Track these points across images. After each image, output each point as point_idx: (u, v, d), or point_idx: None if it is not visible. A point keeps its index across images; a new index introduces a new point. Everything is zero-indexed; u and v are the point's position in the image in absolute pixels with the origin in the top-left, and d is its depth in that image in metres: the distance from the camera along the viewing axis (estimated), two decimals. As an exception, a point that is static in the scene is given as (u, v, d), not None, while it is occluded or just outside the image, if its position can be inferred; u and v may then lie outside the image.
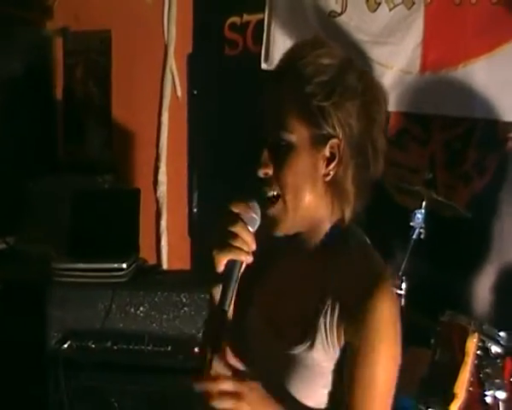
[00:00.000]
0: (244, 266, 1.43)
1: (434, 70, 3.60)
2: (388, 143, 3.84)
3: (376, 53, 3.69)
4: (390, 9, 3.65)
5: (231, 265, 1.42)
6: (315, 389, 1.50)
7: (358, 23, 3.73)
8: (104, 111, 4.55)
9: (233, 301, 1.42)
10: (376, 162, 1.54)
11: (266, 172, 1.47)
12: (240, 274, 1.42)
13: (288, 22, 3.84)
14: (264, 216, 1.47)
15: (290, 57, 1.49)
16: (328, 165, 1.47)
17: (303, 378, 1.49)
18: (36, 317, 3.43)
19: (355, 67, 1.50)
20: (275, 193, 1.47)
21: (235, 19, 4.04)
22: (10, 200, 4.00)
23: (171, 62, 4.27)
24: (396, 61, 3.66)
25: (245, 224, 1.42)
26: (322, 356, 1.47)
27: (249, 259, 1.42)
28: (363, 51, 3.71)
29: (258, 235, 1.45)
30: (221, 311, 1.40)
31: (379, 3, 3.68)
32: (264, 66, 3.90)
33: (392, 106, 3.70)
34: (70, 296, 3.25)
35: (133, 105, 4.37)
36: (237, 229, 1.41)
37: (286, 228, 1.50)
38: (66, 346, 3.22)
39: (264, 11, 3.90)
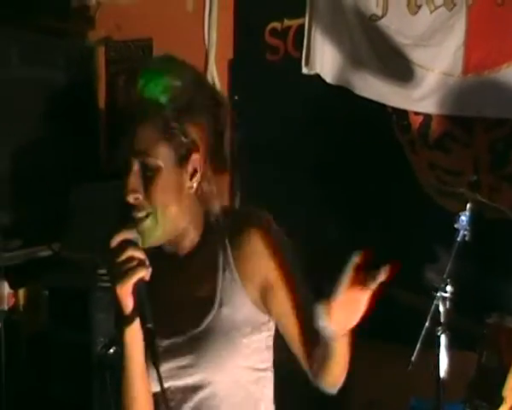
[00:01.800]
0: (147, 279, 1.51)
1: (477, 72, 3.56)
2: (431, 146, 3.85)
3: (417, 56, 3.67)
4: (431, 12, 3.63)
5: (138, 287, 1.48)
6: (236, 345, 1.63)
7: (399, 26, 3.70)
8: (146, 119, 4.58)
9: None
10: (225, 164, 1.68)
11: (137, 196, 1.57)
12: (146, 288, 1.49)
13: (329, 26, 3.83)
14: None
15: (143, 86, 1.56)
16: (191, 178, 1.61)
17: (219, 339, 1.61)
18: (82, 322, 3.47)
19: (206, 84, 1.66)
20: (145, 213, 1.57)
21: (275, 24, 4.05)
22: (55, 207, 4.05)
23: (213, 69, 4.29)
24: (437, 63, 3.63)
25: (132, 243, 1.50)
26: (231, 312, 1.62)
27: (149, 270, 1.50)
28: (403, 54, 3.69)
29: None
30: (147, 329, 1.46)
31: (420, 6, 3.66)
32: (304, 70, 3.90)
33: (434, 109, 3.68)
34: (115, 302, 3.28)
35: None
36: (129, 252, 1.49)
37: (156, 240, 1.61)
38: (112, 351, 3.25)
39: (304, 16, 3.90)
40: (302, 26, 3.93)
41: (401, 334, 2.97)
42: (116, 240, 1.51)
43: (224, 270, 1.64)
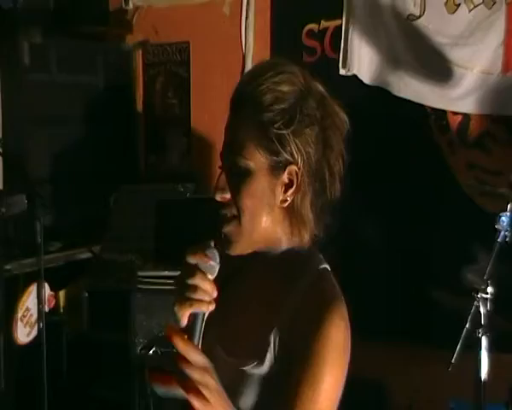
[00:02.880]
0: (207, 314, 1.40)
1: (517, 70, 3.53)
2: (470, 145, 3.81)
3: (456, 55, 3.64)
4: (470, 10, 3.60)
5: (194, 317, 1.39)
6: (266, 402, 1.49)
7: (437, 25, 3.68)
8: (184, 121, 4.61)
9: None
10: (333, 187, 1.55)
11: (224, 196, 1.47)
12: (204, 323, 1.39)
13: (366, 27, 3.82)
14: (220, 235, 1.48)
15: (249, 83, 1.48)
16: (285, 191, 1.48)
17: (254, 393, 1.49)
18: (121, 324, 3.50)
19: (315, 93, 1.50)
20: (233, 213, 1.47)
21: (312, 25, 4.04)
22: (95, 210, 4.09)
23: (250, 71, 4.30)
24: (477, 62, 3.60)
25: (203, 273, 1.40)
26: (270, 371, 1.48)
27: (211, 307, 1.40)
28: (442, 54, 3.67)
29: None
30: None
31: (458, 4, 3.62)
32: (342, 72, 3.89)
33: (473, 108, 3.65)
34: (154, 303, 3.31)
35: (212, 115, 4.42)
36: (196, 281, 1.38)
37: (240, 249, 1.51)
38: (151, 352, 3.27)
39: (341, 17, 3.89)
40: (339, 27, 3.92)
41: (441, 336, 2.95)
42: (191, 259, 1.41)
43: (279, 322, 1.49)
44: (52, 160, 4.16)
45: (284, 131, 1.44)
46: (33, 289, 3.46)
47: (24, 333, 3.55)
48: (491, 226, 2.95)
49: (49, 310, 3.64)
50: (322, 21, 4.02)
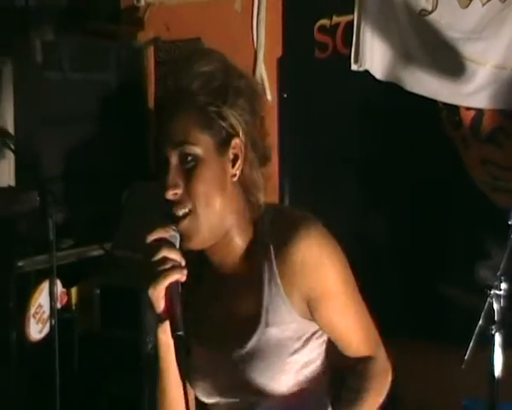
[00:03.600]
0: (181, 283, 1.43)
1: (531, 65, 3.50)
2: (483, 141, 3.78)
3: (469, 50, 3.61)
4: (483, 4, 3.57)
5: (171, 290, 1.40)
6: (285, 363, 1.54)
7: (450, 20, 3.65)
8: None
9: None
10: (266, 150, 1.60)
11: (175, 192, 1.48)
12: (179, 293, 1.42)
13: (378, 22, 3.79)
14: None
15: (177, 77, 1.51)
16: (233, 165, 1.53)
17: (265, 361, 1.53)
18: (133, 321, 3.50)
19: (234, 67, 1.57)
20: (186, 210, 1.48)
21: (324, 21, 4.03)
22: (107, 207, 4.10)
23: (261, 67, 4.28)
24: (490, 57, 3.57)
25: (168, 244, 1.43)
26: (278, 331, 1.53)
27: (184, 273, 1.43)
28: (454, 49, 3.64)
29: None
30: (177, 337, 1.39)
31: (471, -1, 3.60)
32: (354, 67, 3.87)
33: (486, 104, 3.62)
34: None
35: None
36: (163, 252, 1.42)
37: (201, 241, 1.51)
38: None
39: (353, 12, 3.87)
40: (351, 22, 3.89)
41: (454, 333, 2.93)
42: (150, 238, 1.45)
43: (269, 284, 1.54)
44: (64, 157, 4.17)
45: (222, 107, 1.49)
46: (45, 286, 3.47)
47: (36, 330, 3.55)
48: (505, 222, 2.94)
49: (61, 307, 3.64)
50: (333, 17, 4.00)
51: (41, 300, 3.55)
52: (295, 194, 4.15)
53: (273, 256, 1.54)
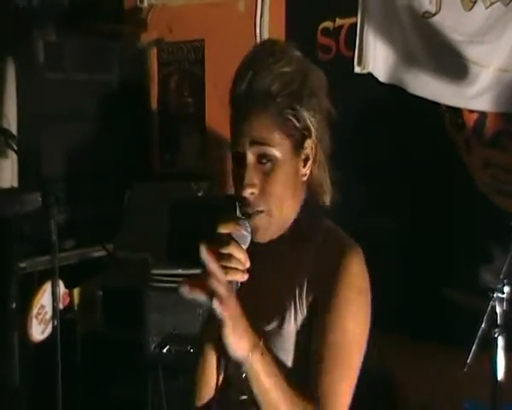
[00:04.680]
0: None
1: (534, 68, 3.50)
2: (486, 144, 3.78)
3: (472, 53, 3.61)
4: (486, 7, 3.56)
5: (230, 286, 1.42)
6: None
7: (453, 23, 3.65)
8: (198, 119, 4.61)
9: None
10: (330, 146, 1.64)
11: (253, 191, 1.50)
12: (237, 289, 1.44)
13: (381, 25, 3.79)
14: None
15: (255, 77, 1.52)
16: (304, 166, 1.57)
17: (282, 352, 1.55)
18: (135, 322, 3.50)
19: (309, 65, 1.61)
20: (260, 208, 1.51)
21: (327, 24, 4.03)
22: (109, 208, 4.10)
23: (265, 69, 4.29)
24: (493, 60, 3.56)
25: (237, 243, 1.43)
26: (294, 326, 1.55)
27: (245, 277, 1.44)
28: (458, 51, 3.64)
29: None
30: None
31: (474, 2, 3.59)
32: (357, 69, 3.87)
33: (489, 106, 3.62)
34: (168, 302, 3.31)
35: (226, 112, 4.40)
36: (230, 249, 1.42)
37: (269, 237, 1.55)
38: (165, 350, 3.27)
39: (356, 15, 3.87)
40: (354, 24, 3.89)
41: (457, 336, 2.93)
42: (222, 229, 1.43)
43: (301, 282, 1.56)
44: (66, 158, 4.17)
45: (298, 109, 1.51)
46: (48, 286, 3.47)
47: (38, 331, 3.56)
48: (508, 225, 2.94)
49: (64, 308, 3.65)
50: (337, 19, 4.00)
51: (43, 301, 3.56)
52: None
53: (314, 256, 1.56)
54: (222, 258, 1.40)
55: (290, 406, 1.46)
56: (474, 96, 3.63)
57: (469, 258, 3.53)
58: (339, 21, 4.00)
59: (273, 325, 1.57)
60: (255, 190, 1.50)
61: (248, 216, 1.50)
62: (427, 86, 3.68)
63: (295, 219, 1.60)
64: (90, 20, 4.37)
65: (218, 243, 1.42)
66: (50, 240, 3.25)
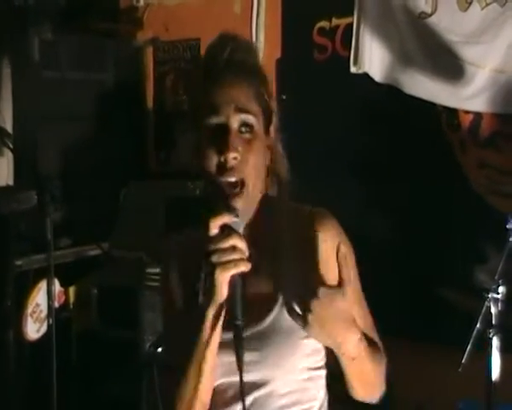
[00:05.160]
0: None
1: (529, 68, 3.51)
2: (481, 144, 3.78)
3: (468, 53, 3.62)
4: (482, 8, 3.57)
5: (235, 279, 1.42)
6: (297, 345, 1.56)
7: (449, 23, 3.65)
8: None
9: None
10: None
11: (236, 156, 1.50)
12: (241, 284, 1.43)
13: (378, 25, 3.80)
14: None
15: (234, 51, 1.57)
16: (269, 148, 1.61)
17: (278, 340, 1.55)
18: (130, 321, 3.50)
19: None
20: (236, 179, 1.51)
21: (323, 23, 4.03)
22: (104, 207, 4.10)
23: (261, 68, 4.29)
24: (488, 60, 3.57)
25: (236, 232, 1.42)
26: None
27: (249, 265, 1.43)
28: (453, 52, 3.65)
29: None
30: (235, 326, 1.41)
31: (470, 2, 3.60)
32: (353, 69, 3.87)
33: (484, 107, 3.63)
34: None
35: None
36: (234, 241, 1.41)
37: (248, 216, 1.56)
38: (160, 350, 3.27)
39: (352, 14, 3.87)
40: (350, 24, 3.89)
41: (452, 336, 2.93)
42: (216, 222, 1.43)
43: (286, 261, 1.57)
44: (62, 156, 4.17)
45: (267, 86, 1.60)
46: (43, 285, 3.46)
47: (33, 329, 3.56)
48: (503, 226, 2.94)
49: (59, 306, 3.65)
50: (333, 19, 4.01)
51: (38, 299, 3.55)
52: (293, 194, 4.15)
53: (294, 233, 1.60)
54: (225, 252, 1.40)
55: (381, 365, 1.59)
56: (470, 97, 3.63)
57: (464, 258, 3.53)
58: (335, 21, 4.01)
59: (266, 322, 1.57)
60: (238, 156, 1.50)
61: (232, 196, 1.50)
62: (423, 86, 3.68)
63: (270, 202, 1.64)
64: (85, 19, 4.37)
65: (219, 238, 1.41)
66: (46, 238, 3.25)
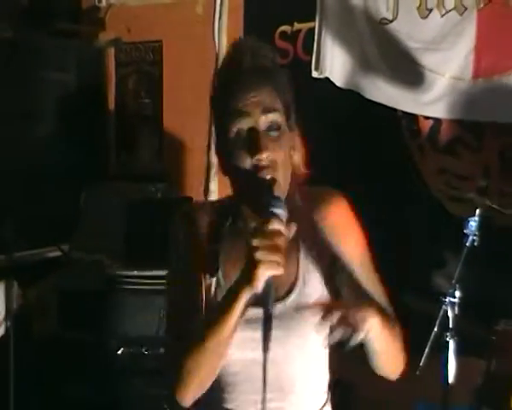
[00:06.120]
0: None
1: (487, 76, 3.56)
2: (440, 150, 3.83)
3: (428, 60, 3.67)
4: (442, 15, 3.62)
5: (266, 283, 1.49)
6: (312, 327, 1.59)
7: (409, 30, 3.70)
8: (155, 121, 4.60)
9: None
10: None
11: (268, 155, 1.57)
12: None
13: (339, 30, 3.83)
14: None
15: (255, 55, 1.64)
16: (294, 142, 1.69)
17: (298, 319, 1.63)
18: (90, 323, 3.48)
19: None
20: (272, 176, 1.58)
21: (285, 27, 4.06)
22: (65, 209, 4.06)
23: (223, 71, 4.29)
24: (448, 67, 3.62)
25: (282, 234, 1.49)
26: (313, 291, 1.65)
27: (282, 270, 1.48)
28: (414, 58, 3.69)
29: None
30: (267, 312, 1.49)
31: (430, 10, 3.65)
32: (314, 74, 3.90)
33: (443, 113, 3.68)
34: (124, 303, 3.30)
35: (184, 114, 4.41)
36: (280, 241, 1.48)
37: (283, 190, 1.62)
38: (120, 352, 3.26)
39: (314, 19, 3.90)
40: (312, 29, 3.92)
41: (409, 339, 2.97)
42: (274, 226, 1.48)
43: (305, 244, 1.67)
44: (23, 156, 4.12)
45: (287, 84, 1.65)
46: (2, 287, 3.43)
47: (-9, 331, 3.52)
48: (460, 231, 2.99)
49: (18, 308, 3.61)
50: (295, 23, 4.03)
51: (-3, 301, 3.52)
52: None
53: (313, 217, 1.69)
54: (271, 250, 1.46)
55: (399, 337, 1.69)
56: (430, 103, 3.68)
57: (422, 263, 3.57)
58: (297, 26, 4.03)
59: (288, 301, 1.64)
60: (270, 154, 1.57)
61: (265, 183, 1.57)
62: (384, 92, 3.72)
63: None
64: (47, 19, 4.33)
65: (265, 234, 1.47)
66: (5, 240, 3.22)
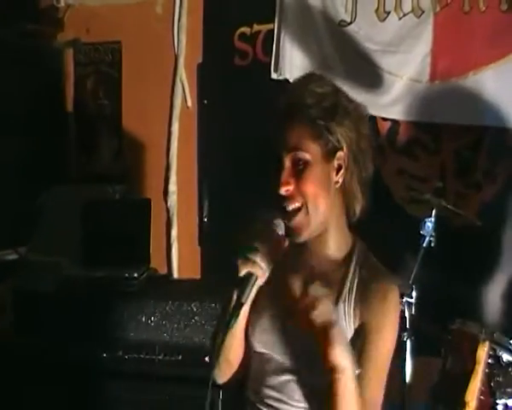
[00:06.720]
0: (259, 281, 1.69)
1: (444, 79, 3.60)
2: (398, 152, 3.85)
3: (386, 62, 3.70)
4: (399, 18, 3.66)
5: (250, 275, 1.67)
6: None
7: (368, 32, 3.73)
8: (115, 122, 4.57)
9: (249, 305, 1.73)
10: (367, 167, 1.85)
11: (288, 188, 1.75)
12: (256, 284, 1.69)
13: (298, 32, 3.85)
14: (287, 228, 1.75)
15: (294, 94, 1.80)
16: (337, 174, 1.80)
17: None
18: (47, 326, 3.44)
19: (343, 91, 1.84)
20: (297, 204, 1.75)
21: (244, 29, 4.06)
22: (22, 210, 4.02)
23: (181, 72, 4.28)
24: (405, 70, 3.66)
25: (262, 254, 1.68)
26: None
27: (264, 278, 1.69)
28: (372, 60, 3.72)
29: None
30: (240, 303, 1.65)
31: (388, 12, 3.68)
32: (273, 76, 3.91)
33: (401, 115, 3.71)
34: (81, 305, 3.26)
35: (143, 115, 4.39)
36: (257, 258, 1.67)
37: (308, 234, 1.78)
38: (76, 355, 3.22)
39: (274, 21, 3.91)
40: (271, 31, 3.94)
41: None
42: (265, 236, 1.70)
43: (344, 300, 1.78)
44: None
45: (330, 123, 1.76)
46: (-44, 290, 3.38)
47: None
48: (418, 231, 3.01)
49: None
50: (254, 25, 4.03)
51: (-48, 304, 3.46)
52: (213, 199, 4.17)
53: (357, 280, 1.82)
54: (251, 250, 1.67)
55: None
56: (388, 105, 3.71)
57: (380, 263, 3.59)
58: (256, 27, 4.03)
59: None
60: (290, 188, 1.74)
61: (289, 215, 1.75)
62: (342, 93, 3.73)
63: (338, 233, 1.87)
64: (5, 19, 4.28)
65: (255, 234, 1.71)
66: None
